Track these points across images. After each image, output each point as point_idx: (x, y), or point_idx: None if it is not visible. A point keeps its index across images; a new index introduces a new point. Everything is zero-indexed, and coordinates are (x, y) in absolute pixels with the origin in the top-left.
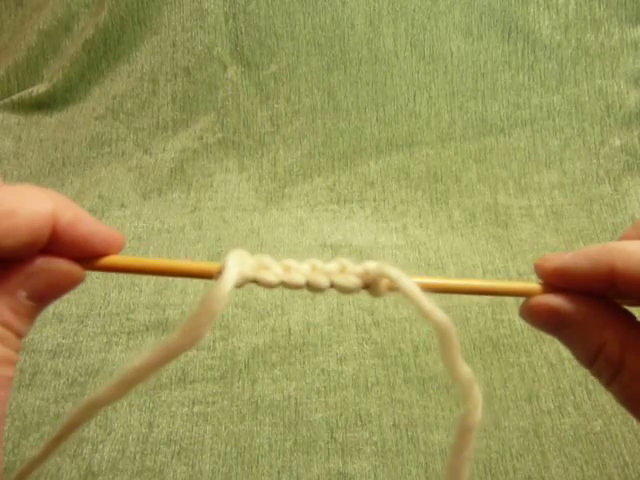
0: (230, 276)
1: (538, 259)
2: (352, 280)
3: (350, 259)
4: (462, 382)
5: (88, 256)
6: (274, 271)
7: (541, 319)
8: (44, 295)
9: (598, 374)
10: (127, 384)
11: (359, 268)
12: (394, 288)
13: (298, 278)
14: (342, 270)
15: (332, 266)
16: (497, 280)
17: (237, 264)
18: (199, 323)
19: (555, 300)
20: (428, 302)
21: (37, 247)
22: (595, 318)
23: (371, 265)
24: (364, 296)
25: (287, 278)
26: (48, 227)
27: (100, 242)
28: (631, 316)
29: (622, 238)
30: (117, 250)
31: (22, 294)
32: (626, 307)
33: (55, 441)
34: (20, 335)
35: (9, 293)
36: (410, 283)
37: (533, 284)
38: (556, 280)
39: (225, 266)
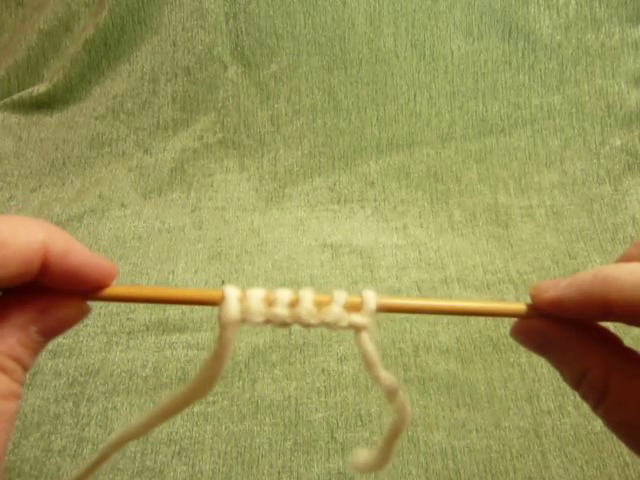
0: (230, 322)
1: (534, 289)
2: (336, 314)
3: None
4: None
5: (80, 286)
6: (261, 311)
7: (528, 342)
8: (53, 331)
9: (584, 397)
10: (151, 424)
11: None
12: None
13: (284, 317)
14: (326, 303)
15: (318, 298)
16: (485, 301)
17: (235, 307)
18: (210, 371)
19: (540, 324)
20: (379, 365)
21: (28, 277)
22: (578, 343)
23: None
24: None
25: (273, 318)
26: (39, 257)
27: (92, 272)
28: (617, 341)
29: (623, 257)
30: (110, 280)
31: (33, 329)
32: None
33: (87, 472)
34: (26, 369)
35: (21, 328)
36: (369, 347)
37: (520, 305)
38: (553, 311)
39: (223, 314)
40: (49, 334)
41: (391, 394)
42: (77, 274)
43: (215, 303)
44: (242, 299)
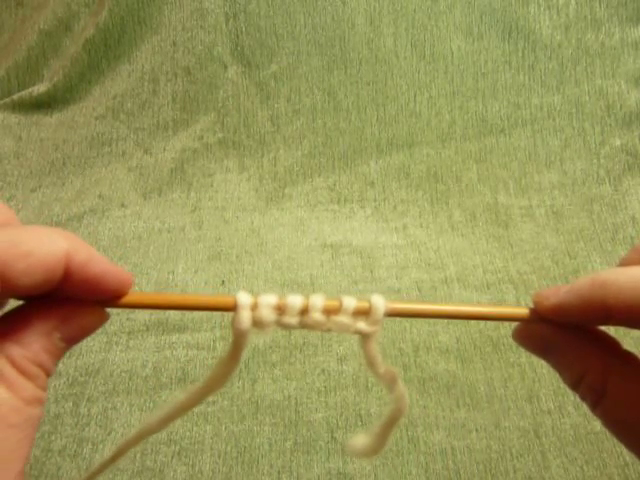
0: (243, 328)
1: (536, 296)
2: (346, 322)
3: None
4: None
5: (99, 294)
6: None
7: (529, 344)
8: (75, 337)
9: (582, 398)
10: (168, 419)
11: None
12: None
13: (293, 322)
14: (335, 309)
15: (327, 303)
16: (488, 305)
17: (247, 314)
18: (225, 368)
19: (540, 328)
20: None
21: (51, 285)
22: (577, 346)
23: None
24: (364, 294)
25: (285, 321)
26: (61, 266)
27: (110, 281)
28: (615, 344)
29: (622, 262)
30: (127, 288)
31: (57, 336)
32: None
33: (105, 464)
34: (49, 375)
35: (45, 335)
36: (374, 351)
37: (522, 308)
38: (555, 317)
39: (236, 323)
40: (71, 341)
41: (390, 384)
42: (97, 282)
43: (227, 309)
44: (254, 307)
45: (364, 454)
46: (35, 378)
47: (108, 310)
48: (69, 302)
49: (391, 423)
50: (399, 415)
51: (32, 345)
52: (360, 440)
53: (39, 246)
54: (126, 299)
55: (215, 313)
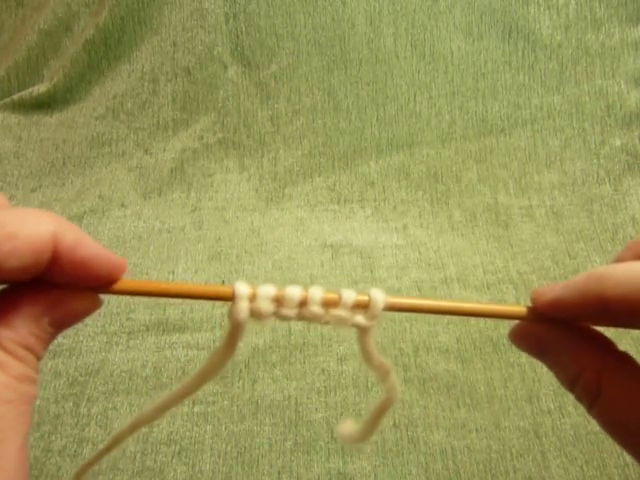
0: (241, 319)
1: (534, 293)
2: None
3: (351, 289)
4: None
5: (90, 279)
6: (271, 308)
7: (525, 345)
8: (65, 323)
9: (579, 399)
10: (163, 408)
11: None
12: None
13: (291, 314)
14: (334, 303)
15: (326, 296)
16: (486, 303)
17: (244, 305)
18: (220, 356)
19: (536, 328)
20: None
21: (39, 269)
22: (573, 346)
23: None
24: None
25: (283, 313)
26: (49, 248)
27: (101, 265)
28: (611, 345)
29: (617, 260)
30: (120, 273)
31: (45, 320)
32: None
33: (101, 453)
34: (39, 358)
35: (34, 320)
36: (371, 344)
37: (519, 307)
38: (552, 312)
39: (234, 313)
40: (61, 326)
41: (384, 375)
42: (87, 266)
43: (224, 299)
44: (252, 298)
45: (353, 440)
46: (24, 360)
47: (109, 308)
48: (59, 287)
49: (381, 411)
50: (390, 404)
51: (19, 329)
52: (349, 426)
53: (24, 228)
54: (119, 285)
55: (215, 313)
